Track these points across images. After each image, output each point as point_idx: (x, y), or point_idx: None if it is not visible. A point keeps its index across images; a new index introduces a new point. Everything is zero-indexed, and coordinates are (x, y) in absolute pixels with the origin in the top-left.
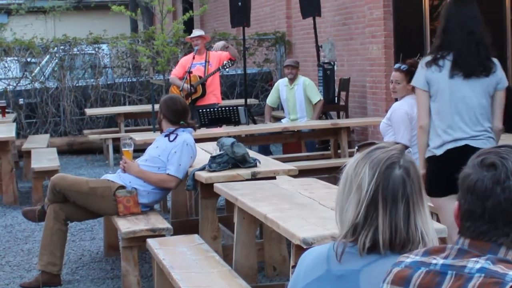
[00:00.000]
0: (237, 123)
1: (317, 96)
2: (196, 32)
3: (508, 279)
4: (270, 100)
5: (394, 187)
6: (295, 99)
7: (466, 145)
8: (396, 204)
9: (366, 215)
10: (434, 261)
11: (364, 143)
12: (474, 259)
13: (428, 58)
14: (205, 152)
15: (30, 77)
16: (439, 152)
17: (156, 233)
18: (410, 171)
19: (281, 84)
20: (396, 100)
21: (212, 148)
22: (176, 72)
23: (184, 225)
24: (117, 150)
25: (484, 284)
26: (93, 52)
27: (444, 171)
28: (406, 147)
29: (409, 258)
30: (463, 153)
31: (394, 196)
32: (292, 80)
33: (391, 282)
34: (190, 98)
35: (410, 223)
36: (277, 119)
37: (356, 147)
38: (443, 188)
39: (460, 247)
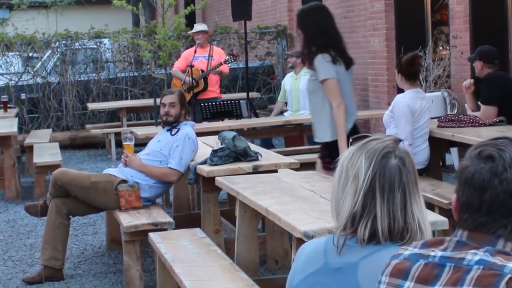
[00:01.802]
0: (239, 116)
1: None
2: (198, 27)
3: (506, 270)
4: (280, 95)
5: (390, 176)
6: (299, 90)
7: (355, 124)
8: (393, 192)
9: (364, 204)
10: (432, 253)
11: (358, 136)
12: (473, 251)
13: (328, 56)
14: (206, 146)
15: (32, 72)
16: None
17: (158, 227)
18: (405, 160)
19: (288, 76)
20: (401, 91)
21: (214, 142)
22: (178, 65)
23: (186, 219)
24: (119, 144)
25: (482, 276)
26: (94, 46)
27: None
28: (400, 139)
29: (407, 250)
30: (354, 132)
31: (391, 184)
32: (297, 71)
33: (390, 274)
34: (191, 92)
35: (407, 212)
36: (280, 112)
37: (351, 140)
38: None
39: (459, 239)
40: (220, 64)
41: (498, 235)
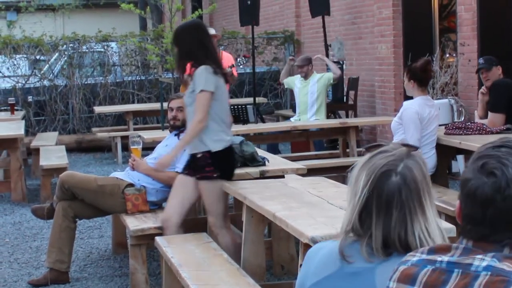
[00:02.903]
0: (245, 121)
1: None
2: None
3: None
4: (286, 78)
5: (388, 195)
6: (307, 93)
7: (230, 148)
8: (390, 212)
9: (360, 222)
10: (439, 259)
11: (371, 145)
12: (480, 256)
13: (210, 68)
14: None
15: (39, 75)
16: (222, 147)
17: None
18: (406, 177)
19: (298, 77)
20: (408, 98)
21: None
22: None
23: (192, 223)
24: (125, 148)
25: (490, 282)
26: (102, 50)
27: (224, 164)
28: (415, 148)
29: (415, 256)
30: (232, 149)
31: (388, 204)
32: (307, 76)
33: (397, 280)
34: None
35: (408, 231)
36: (286, 118)
37: (363, 149)
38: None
39: (465, 246)
40: (232, 65)
41: (504, 244)
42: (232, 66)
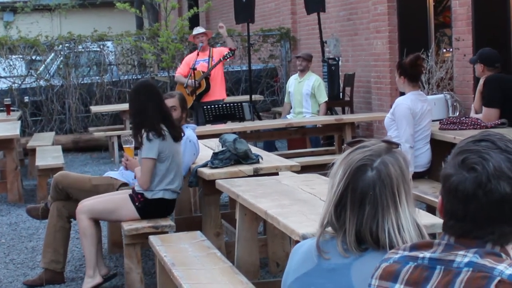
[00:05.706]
0: (242, 119)
1: (322, 97)
2: (200, 29)
3: (496, 273)
4: (286, 97)
5: (362, 190)
6: (302, 93)
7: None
8: (364, 206)
9: (336, 216)
10: (421, 255)
11: (352, 141)
12: (462, 252)
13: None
14: (207, 149)
15: (35, 75)
16: None
17: (159, 230)
18: (381, 173)
19: (292, 78)
20: (401, 94)
21: (215, 145)
22: (181, 71)
23: (187, 222)
24: (122, 147)
25: (472, 279)
26: (98, 49)
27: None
28: (396, 144)
29: (397, 253)
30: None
31: (362, 198)
32: (302, 74)
33: (380, 277)
34: (194, 95)
35: (378, 226)
36: (288, 114)
37: (345, 145)
38: None
39: (447, 243)
40: (220, 61)
41: (486, 240)
42: (220, 61)
